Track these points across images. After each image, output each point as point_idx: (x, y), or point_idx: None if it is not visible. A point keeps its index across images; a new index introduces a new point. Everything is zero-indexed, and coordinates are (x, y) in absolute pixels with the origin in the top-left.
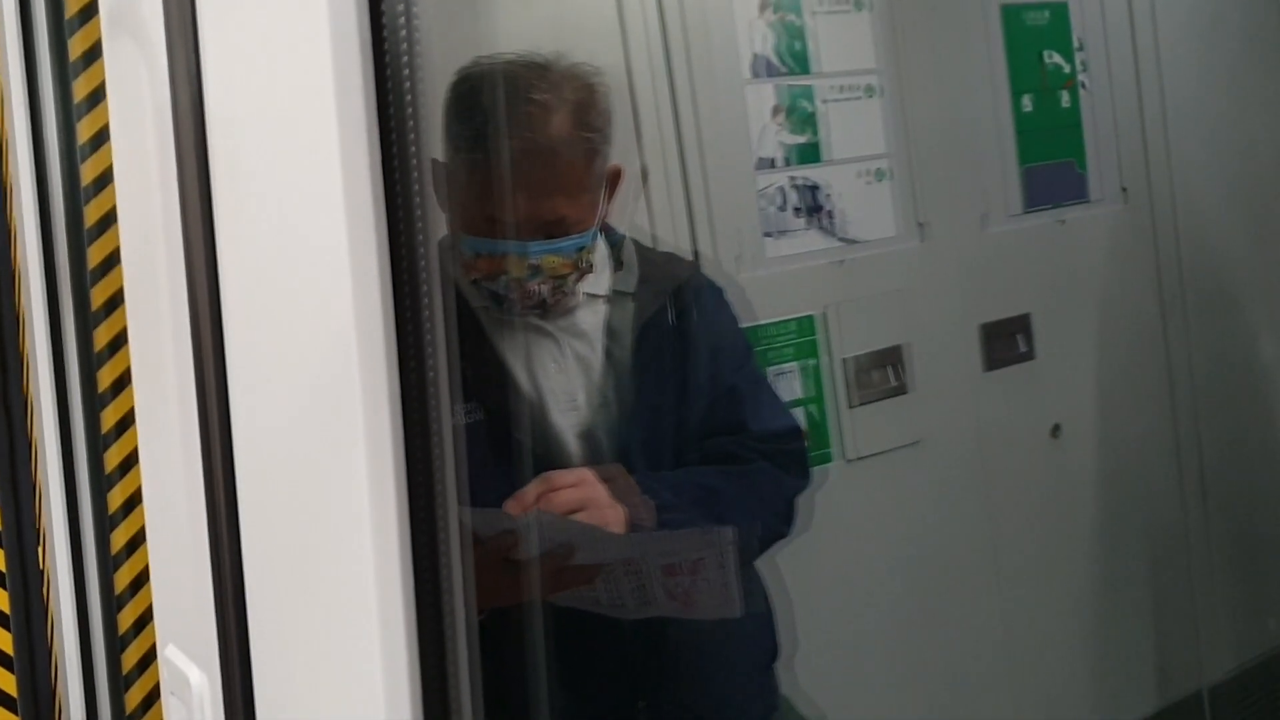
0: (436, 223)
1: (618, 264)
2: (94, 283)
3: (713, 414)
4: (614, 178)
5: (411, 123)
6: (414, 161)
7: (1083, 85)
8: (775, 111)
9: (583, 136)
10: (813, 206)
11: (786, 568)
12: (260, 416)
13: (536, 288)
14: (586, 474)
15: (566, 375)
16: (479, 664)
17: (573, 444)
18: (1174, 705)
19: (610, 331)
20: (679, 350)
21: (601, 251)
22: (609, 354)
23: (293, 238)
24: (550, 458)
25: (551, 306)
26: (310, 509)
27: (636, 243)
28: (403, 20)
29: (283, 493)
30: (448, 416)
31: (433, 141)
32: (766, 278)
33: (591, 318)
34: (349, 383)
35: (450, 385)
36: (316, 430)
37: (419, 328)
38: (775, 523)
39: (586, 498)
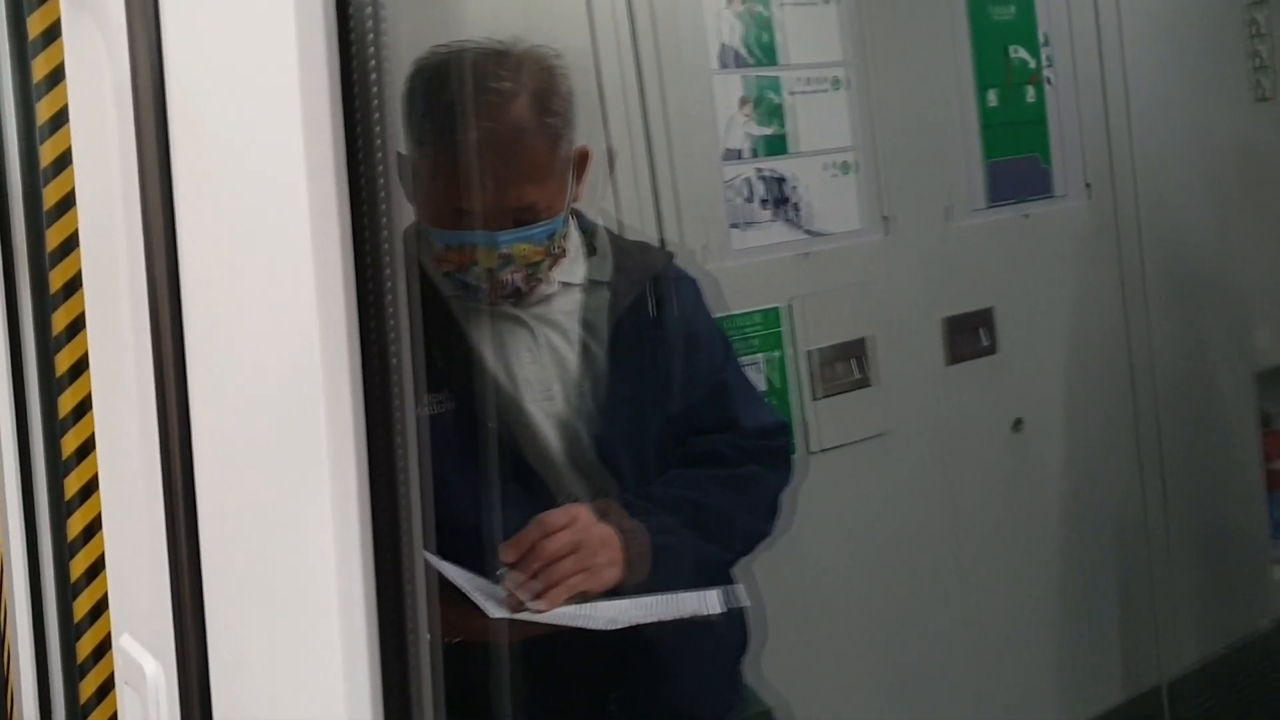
0: (401, 204)
1: (591, 250)
2: (52, 266)
3: (700, 409)
4: (581, 160)
5: (377, 106)
6: (378, 144)
7: (1048, 80)
8: (743, 103)
9: (545, 121)
10: (779, 198)
11: (752, 558)
12: (220, 404)
13: (509, 277)
14: (580, 512)
15: (541, 365)
16: (440, 656)
17: (548, 434)
18: (1136, 699)
19: (585, 321)
20: (658, 341)
21: (574, 238)
22: (584, 344)
23: (255, 221)
24: (524, 447)
25: (525, 294)
26: (270, 498)
27: (609, 231)
28: (369, 3)
29: (242, 482)
30: (411, 406)
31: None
32: (732, 269)
33: (567, 306)
34: (311, 371)
35: (415, 374)
36: (277, 419)
37: (382, 314)
38: (762, 525)
39: (579, 540)
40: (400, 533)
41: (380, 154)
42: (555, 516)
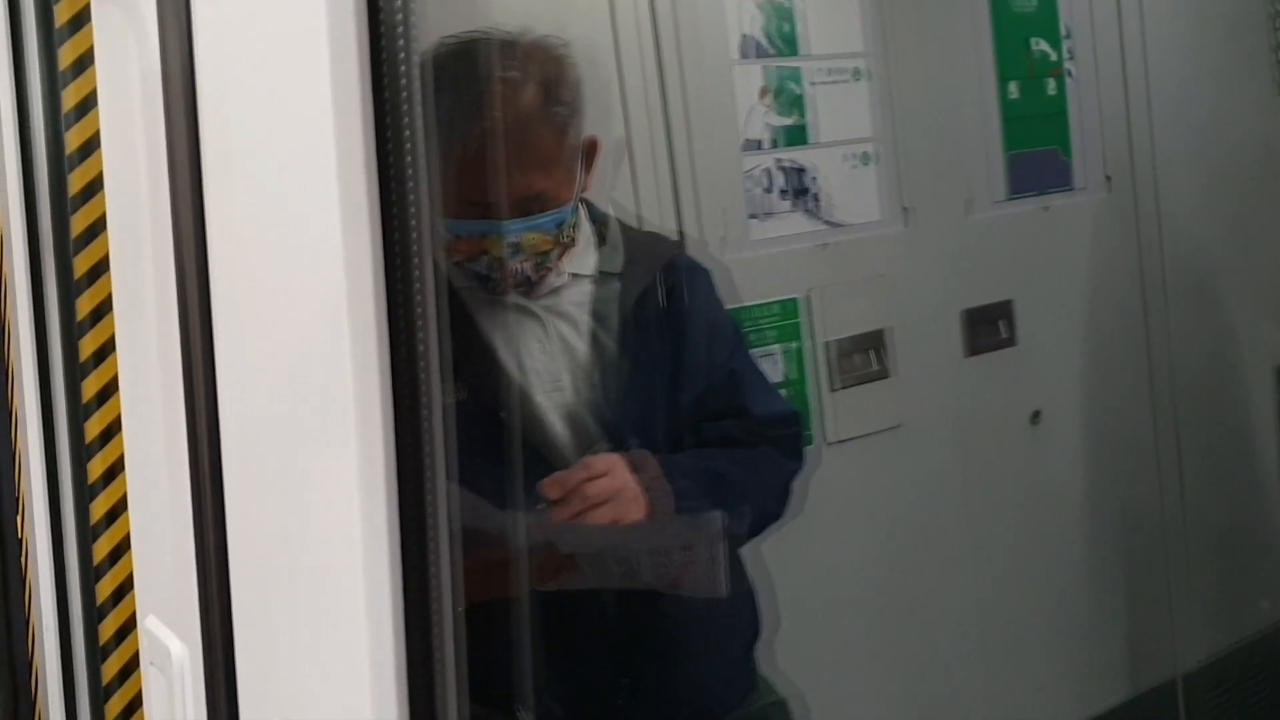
0: (430, 198)
1: (601, 241)
2: (77, 251)
3: (710, 398)
4: (590, 150)
5: (405, 91)
6: (407, 128)
7: (1069, 73)
8: (763, 93)
9: (552, 110)
10: (799, 189)
11: (767, 548)
12: (247, 388)
13: (519, 266)
14: (617, 462)
15: (551, 356)
16: (464, 640)
17: (557, 424)
18: (1148, 692)
19: (596, 312)
20: (669, 332)
21: (585, 228)
22: (594, 335)
23: (284, 207)
24: (534, 438)
25: (535, 284)
26: (296, 481)
27: (620, 222)
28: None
29: (268, 464)
30: (438, 390)
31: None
32: (751, 259)
33: (577, 298)
34: (339, 355)
35: (441, 357)
36: (304, 402)
37: (409, 296)
38: (774, 506)
39: (617, 488)
40: (426, 518)
41: (409, 136)
42: (600, 462)
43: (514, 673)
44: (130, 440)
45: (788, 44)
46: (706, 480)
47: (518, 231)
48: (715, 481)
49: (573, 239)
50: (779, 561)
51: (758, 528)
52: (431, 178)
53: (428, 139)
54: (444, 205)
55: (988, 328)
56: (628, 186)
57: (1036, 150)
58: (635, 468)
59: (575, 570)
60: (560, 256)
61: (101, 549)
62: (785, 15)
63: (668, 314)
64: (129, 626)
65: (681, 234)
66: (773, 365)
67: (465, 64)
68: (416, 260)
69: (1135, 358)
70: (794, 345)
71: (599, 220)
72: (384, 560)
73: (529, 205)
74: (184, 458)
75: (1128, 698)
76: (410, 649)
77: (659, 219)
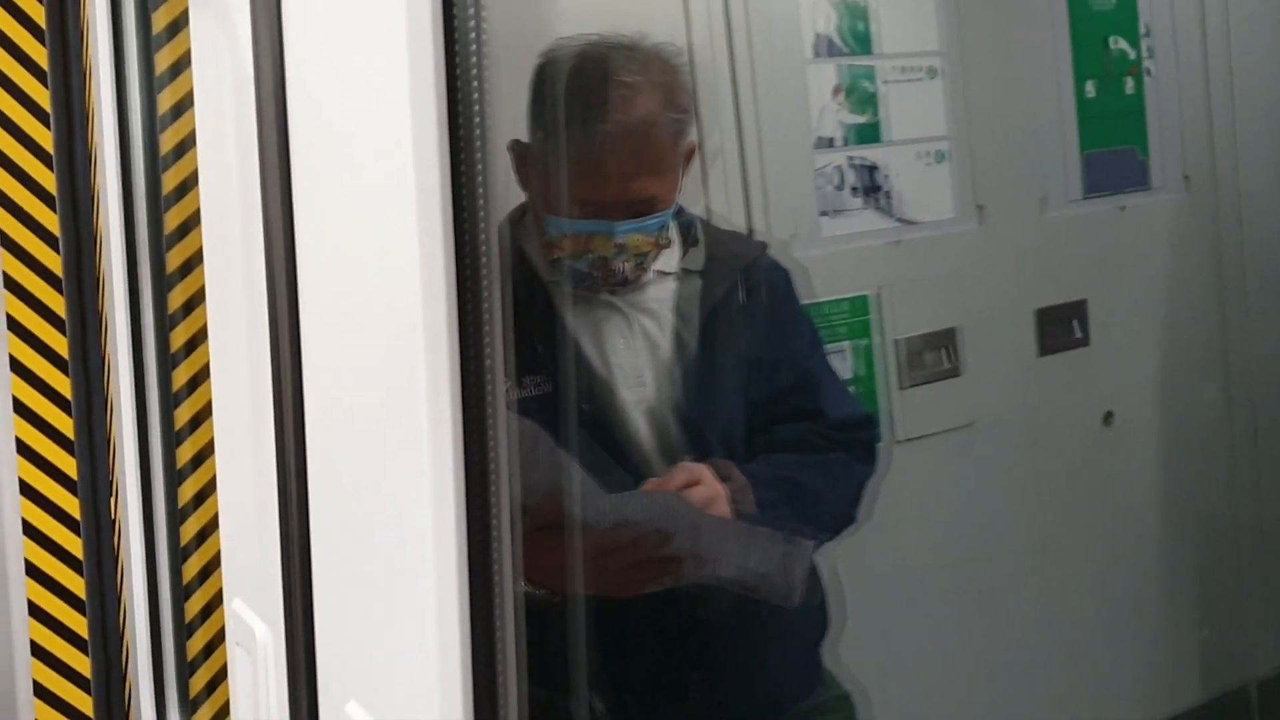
0: (500, 197)
1: (692, 241)
2: (169, 248)
3: (786, 399)
4: (689, 155)
5: (478, 100)
6: (478, 134)
7: (1148, 72)
8: (836, 91)
9: (671, 117)
10: (870, 186)
11: (835, 546)
12: (330, 385)
13: (621, 266)
14: (706, 471)
15: (634, 352)
16: (524, 631)
17: (638, 421)
18: (1220, 698)
19: (679, 309)
20: (748, 331)
21: (674, 229)
22: (677, 332)
23: (364, 207)
24: (616, 434)
25: (631, 283)
26: (373, 474)
27: (704, 221)
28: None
29: (348, 459)
30: (501, 388)
31: (516, 121)
32: (821, 257)
33: (661, 295)
34: (413, 354)
35: (505, 359)
36: (382, 399)
37: (478, 294)
38: (848, 511)
39: (710, 497)
40: (490, 510)
41: (480, 143)
42: (697, 469)
43: (581, 664)
44: (220, 432)
45: (861, 43)
46: (787, 490)
47: (626, 233)
48: (795, 491)
49: (669, 240)
50: (847, 558)
51: (832, 533)
52: (516, 176)
53: (521, 145)
54: (554, 203)
55: (1061, 327)
56: (697, 183)
57: (1113, 149)
58: (723, 478)
59: (667, 574)
60: (657, 257)
61: (189, 530)
62: (859, 14)
63: (747, 313)
64: (213, 605)
65: (750, 230)
66: (842, 362)
67: (588, 67)
68: (485, 261)
69: (1211, 359)
70: (864, 343)
71: (688, 222)
72: (451, 551)
73: (639, 208)
74: (271, 454)
75: (1199, 702)
76: (475, 635)
77: (730, 216)
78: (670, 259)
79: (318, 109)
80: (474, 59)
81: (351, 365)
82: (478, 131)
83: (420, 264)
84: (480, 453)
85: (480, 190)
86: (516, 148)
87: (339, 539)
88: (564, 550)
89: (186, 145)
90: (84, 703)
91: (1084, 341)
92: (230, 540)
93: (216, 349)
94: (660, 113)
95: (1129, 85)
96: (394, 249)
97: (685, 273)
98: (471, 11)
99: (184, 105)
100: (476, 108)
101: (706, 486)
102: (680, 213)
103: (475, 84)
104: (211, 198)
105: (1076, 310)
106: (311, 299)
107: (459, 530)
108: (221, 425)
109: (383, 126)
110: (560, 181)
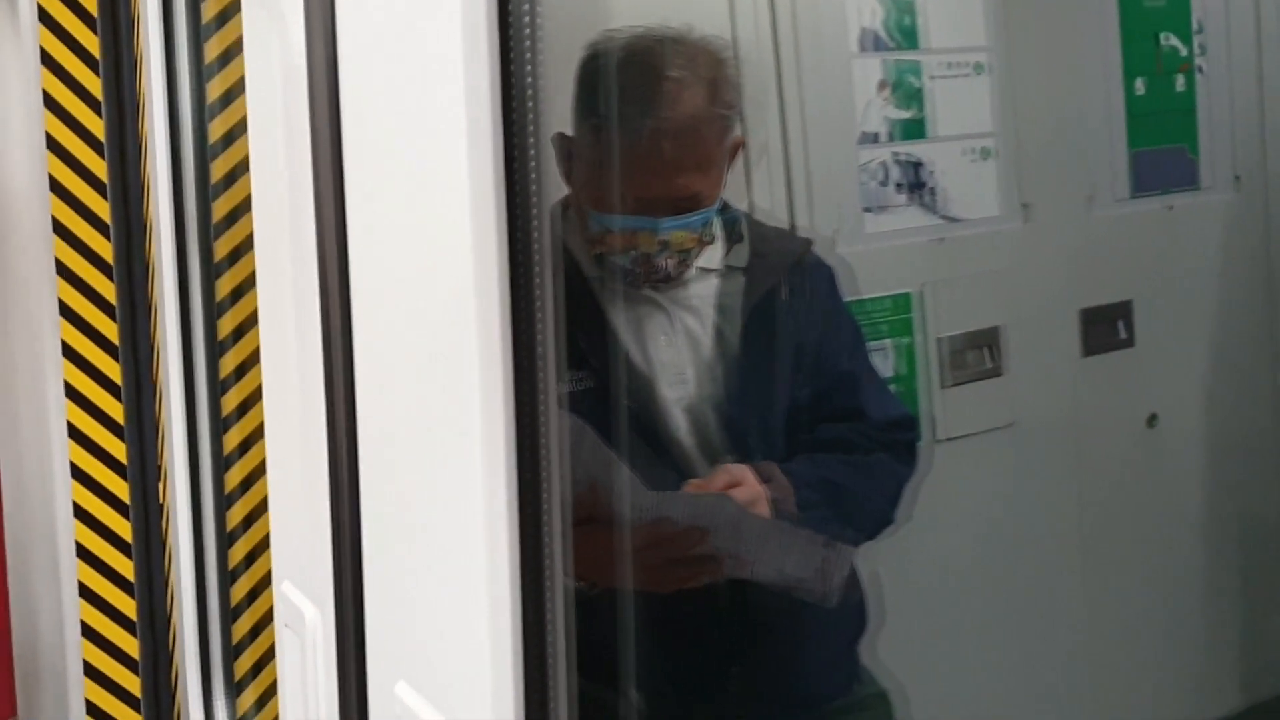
0: (551, 191)
1: (737, 238)
2: (217, 236)
3: (828, 398)
4: (734, 150)
5: (531, 94)
6: (531, 129)
7: (1199, 69)
8: (881, 86)
9: (719, 113)
10: (915, 183)
11: (875, 545)
12: (382, 371)
13: (664, 262)
14: (749, 472)
15: (676, 349)
16: (574, 622)
17: (679, 418)
18: (1261, 704)
19: (721, 306)
20: (791, 329)
21: (718, 225)
22: (719, 329)
23: (417, 197)
24: (656, 430)
25: (673, 280)
26: (425, 459)
27: (749, 217)
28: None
29: (400, 444)
30: (554, 378)
31: (561, 114)
32: (864, 253)
33: (703, 291)
34: (467, 340)
35: (558, 348)
36: (434, 384)
37: (530, 285)
38: (888, 511)
39: (753, 498)
40: (541, 497)
41: (534, 132)
42: (740, 471)
43: (625, 657)
44: (270, 421)
45: (908, 38)
46: (828, 491)
47: (670, 229)
48: (836, 492)
49: (712, 237)
50: (886, 557)
51: (870, 534)
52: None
53: (565, 139)
54: (598, 198)
55: (1105, 328)
56: (740, 178)
57: (1162, 148)
58: (764, 479)
59: (705, 573)
60: (700, 254)
61: (235, 515)
62: (906, 9)
63: (791, 311)
64: (259, 588)
65: (792, 225)
66: (883, 360)
67: (635, 61)
68: (537, 255)
69: (1259, 363)
70: (905, 341)
71: (733, 220)
72: (503, 535)
73: (684, 204)
74: (322, 438)
75: (1239, 708)
76: (525, 619)
77: (772, 210)
78: (714, 255)
79: (371, 99)
80: (528, 45)
81: (403, 352)
82: (531, 120)
83: (474, 253)
84: (532, 435)
85: (533, 181)
86: (560, 141)
87: (390, 521)
88: (605, 544)
89: (235, 134)
90: (132, 683)
91: (1129, 342)
92: (280, 523)
93: (267, 335)
94: (707, 108)
95: (1179, 82)
96: (447, 238)
97: (729, 269)
98: (527, 5)
99: (233, 94)
100: (530, 96)
101: (748, 488)
102: (725, 209)
103: (529, 72)
104: (263, 186)
105: (1122, 311)
106: (363, 286)
107: (510, 513)
108: (271, 411)
109: (436, 117)
110: (605, 176)
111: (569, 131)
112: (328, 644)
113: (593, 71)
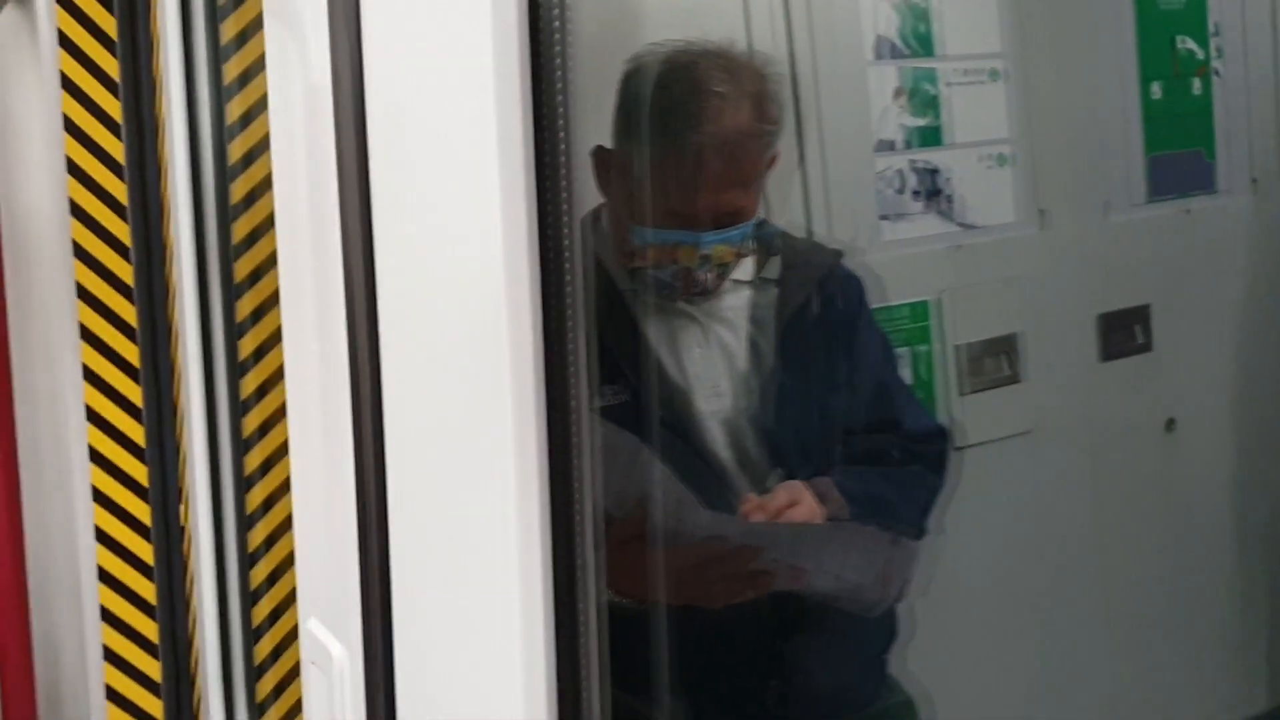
0: (581, 205)
1: (772, 250)
2: (237, 256)
3: (862, 409)
4: (771, 163)
5: (563, 110)
6: (563, 147)
7: (1216, 72)
8: (897, 94)
9: (763, 129)
10: (931, 190)
11: None
12: (410, 398)
13: (704, 276)
14: (804, 489)
15: (710, 361)
16: (609, 655)
17: (715, 430)
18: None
19: (754, 318)
20: (824, 341)
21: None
22: (753, 341)
23: (446, 216)
24: (692, 443)
25: (710, 293)
26: (456, 493)
27: (781, 230)
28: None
29: (429, 477)
30: (586, 406)
31: (601, 128)
32: (881, 261)
33: (737, 304)
34: (498, 369)
35: (589, 370)
36: (464, 414)
37: (562, 306)
38: (921, 524)
39: (809, 516)
40: (575, 537)
41: (565, 150)
42: (798, 489)
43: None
44: (295, 452)
45: (923, 45)
46: (874, 506)
47: (711, 243)
48: (882, 507)
49: (750, 251)
50: None
51: None
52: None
53: (606, 152)
54: (639, 211)
55: (1123, 333)
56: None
57: (1179, 152)
58: (819, 496)
59: (758, 588)
60: (737, 266)
61: (257, 536)
62: (921, 16)
63: (823, 322)
64: (280, 610)
65: (810, 233)
66: (902, 368)
67: (678, 76)
68: (569, 272)
69: (1277, 367)
70: (923, 348)
71: (768, 231)
72: (537, 574)
73: (725, 219)
74: (349, 471)
75: (1261, 711)
76: (560, 661)
77: (788, 218)
78: (747, 268)
79: (397, 115)
80: (559, 58)
81: (432, 379)
82: (562, 137)
83: (505, 274)
84: (565, 471)
85: (565, 199)
86: (599, 153)
87: (419, 559)
88: (656, 561)
89: (255, 154)
90: (154, 706)
91: (1146, 347)
92: (306, 560)
93: (290, 357)
94: (753, 124)
95: (1196, 86)
96: (477, 257)
97: (762, 281)
98: (556, 13)
99: (252, 114)
100: (561, 109)
101: (806, 507)
102: (763, 224)
103: (560, 87)
104: (286, 206)
105: (1139, 315)
106: (390, 306)
107: (544, 556)
108: (296, 436)
109: (466, 134)
110: (646, 190)
111: (608, 144)
112: (356, 684)
113: (638, 85)
